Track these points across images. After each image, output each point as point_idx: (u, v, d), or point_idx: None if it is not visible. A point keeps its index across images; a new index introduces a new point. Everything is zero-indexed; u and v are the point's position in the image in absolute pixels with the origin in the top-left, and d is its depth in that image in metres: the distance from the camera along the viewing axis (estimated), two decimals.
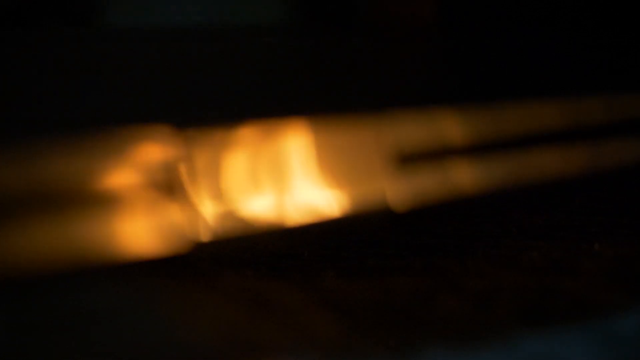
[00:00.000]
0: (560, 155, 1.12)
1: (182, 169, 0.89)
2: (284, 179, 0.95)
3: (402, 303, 0.78)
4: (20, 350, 0.69)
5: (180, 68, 0.92)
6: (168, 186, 0.88)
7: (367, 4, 1.08)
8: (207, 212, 0.90)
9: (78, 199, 0.83)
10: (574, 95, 1.14)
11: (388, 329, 0.73)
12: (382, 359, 0.67)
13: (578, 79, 1.15)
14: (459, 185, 1.05)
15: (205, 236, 0.90)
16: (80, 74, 0.86)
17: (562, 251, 0.91)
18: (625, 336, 0.70)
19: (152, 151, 0.87)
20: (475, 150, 1.06)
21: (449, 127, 1.05)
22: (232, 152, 0.92)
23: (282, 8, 1.02)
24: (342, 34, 1.03)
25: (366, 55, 1.04)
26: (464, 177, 1.05)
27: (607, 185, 1.14)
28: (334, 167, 0.98)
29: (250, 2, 1.01)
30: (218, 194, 0.91)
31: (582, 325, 0.72)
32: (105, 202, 0.85)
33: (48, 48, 0.85)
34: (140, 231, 0.86)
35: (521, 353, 0.68)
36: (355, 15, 1.07)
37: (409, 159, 1.01)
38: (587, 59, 1.17)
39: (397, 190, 1.00)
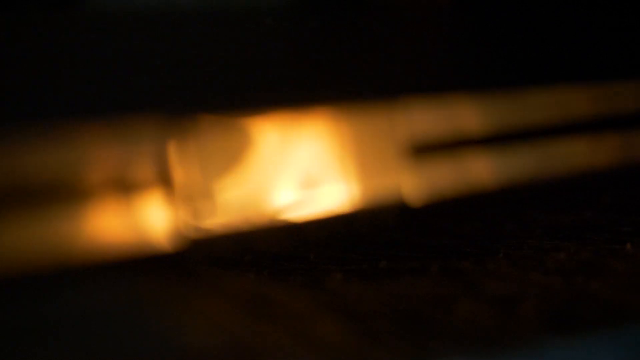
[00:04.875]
0: (590, 146, 1.12)
1: (176, 161, 0.89)
2: (288, 172, 0.95)
3: (417, 309, 0.78)
4: (4, 355, 0.69)
5: (174, 53, 0.92)
6: (160, 179, 0.88)
7: None
8: (203, 207, 0.90)
9: (62, 194, 0.84)
10: (604, 81, 1.14)
11: (401, 336, 0.72)
12: None
13: (608, 62, 1.15)
14: (478, 179, 1.05)
15: (201, 233, 0.90)
16: (64, 61, 0.86)
17: (592, 252, 0.90)
18: None
19: (143, 142, 0.87)
20: (496, 140, 1.06)
21: (468, 115, 1.05)
22: (230, 144, 0.92)
23: None
24: (350, 15, 1.03)
25: (377, 38, 1.04)
26: (484, 170, 1.05)
27: None
28: (341, 159, 0.98)
29: None
30: (215, 188, 0.91)
31: (613, 331, 0.72)
32: (92, 197, 0.85)
33: (28, 33, 0.85)
34: (130, 228, 0.86)
35: None
36: None
37: (424, 150, 1.01)
38: (619, 41, 1.17)
39: (411, 185, 1.00)
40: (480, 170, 1.05)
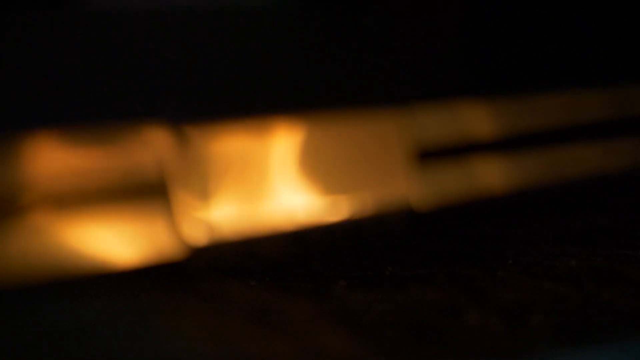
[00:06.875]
0: (601, 150, 1.12)
1: (178, 169, 0.88)
2: (292, 178, 0.94)
3: (424, 317, 0.77)
4: None
5: (174, 56, 0.92)
6: (162, 187, 0.87)
7: None
8: (205, 215, 0.89)
9: (62, 201, 0.83)
10: (615, 84, 1.13)
11: (408, 346, 0.71)
12: None
13: (619, 65, 1.15)
14: (486, 184, 1.04)
15: (203, 241, 0.89)
16: (61, 64, 0.86)
17: (604, 258, 0.90)
18: None
19: (143, 149, 0.87)
20: (505, 145, 1.06)
21: (476, 120, 1.05)
22: (233, 150, 0.92)
23: None
24: (357, 20, 1.04)
25: (384, 43, 1.04)
26: (493, 175, 1.05)
27: None
28: (347, 165, 0.97)
29: None
30: (217, 195, 0.91)
31: (627, 341, 0.72)
32: (93, 205, 0.84)
33: (23, 34, 0.85)
34: (131, 236, 0.86)
35: None
36: None
37: (431, 156, 1.01)
38: (629, 44, 1.16)
39: (418, 190, 0.99)
40: (489, 175, 1.05)
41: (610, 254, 0.91)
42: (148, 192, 0.87)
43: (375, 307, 0.79)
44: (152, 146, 0.87)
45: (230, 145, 0.92)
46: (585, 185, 1.09)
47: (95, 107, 0.87)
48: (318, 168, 0.96)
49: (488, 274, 0.86)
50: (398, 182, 0.99)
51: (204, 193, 0.90)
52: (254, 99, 0.95)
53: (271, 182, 0.94)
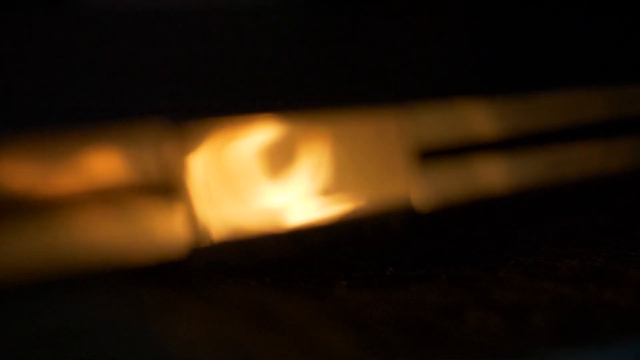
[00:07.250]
0: (604, 149, 1.11)
1: (177, 168, 0.88)
2: (293, 177, 0.94)
3: (425, 318, 0.77)
4: None
5: (174, 56, 0.91)
6: (162, 186, 0.87)
7: None
8: (205, 214, 0.89)
9: (62, 201, 0.83)
10: (616, 83, 1.13)
11: (408, 346, 0.71)
12: None
13: (620, 64, 1.14)
14: (488, 184, 1.04)
15: (203, 241, 0.88)
16: (61, 62, 0.85)
17: (606, 259, 0.89)
18: None
19: (145, 148, 0.86)
20: (506, 145, 1.05)
21: (477, 119, 1.04)
22: (234, 148, 0.91)
23: None
24: (358, 20, 1.03)
25: (385, 42, 1.04)
26: (494, 175, 1.04)
27: None
28: (347, 164, 0.97)
29: None
30: (218, 195, 0.90)
31: (628, 342, 0.71)
32: (92, 205, 0.84)
33: (23, 34, 0.84)
34: (131, 236, 0.85)
35: None
36: None
37: (432, 155, 1.00)
38: (631, 43, 1.16)
39: (419, 190, 0.99)
40: (490, 175, 1.04)
41: (611, 254, 0.90)
42: (148, 192, 0.86)
43: (375, 307, 0.79)
44: (152, 145, 0.87)
45: (232, 144, 0.91)
46: (585, 185, 1.09)
47: (95, 106, 0.86)
48: (318, 167, 0.95)
49: (489, 274, 0.86)
50: (399, 181, 0.98)
51: (204, 192, 0.89)
52: (253, 98, 0.94)
53: (271, 182, 0.93)
